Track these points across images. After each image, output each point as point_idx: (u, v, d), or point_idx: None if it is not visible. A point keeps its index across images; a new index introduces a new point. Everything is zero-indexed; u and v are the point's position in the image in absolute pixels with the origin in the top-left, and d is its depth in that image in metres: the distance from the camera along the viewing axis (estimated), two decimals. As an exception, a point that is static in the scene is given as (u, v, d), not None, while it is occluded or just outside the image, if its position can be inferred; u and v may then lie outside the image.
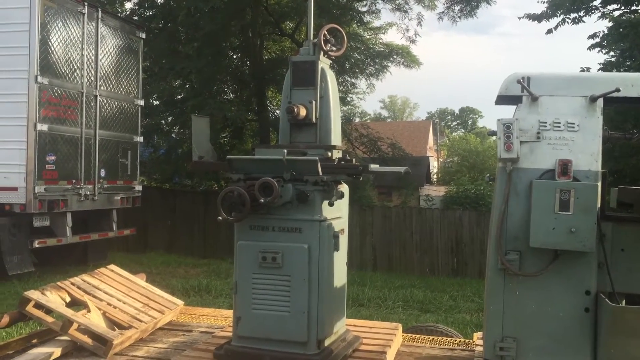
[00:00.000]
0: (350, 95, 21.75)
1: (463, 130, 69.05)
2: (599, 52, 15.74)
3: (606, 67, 14.95)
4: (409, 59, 20.42)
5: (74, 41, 10.37)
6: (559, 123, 3.64)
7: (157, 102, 17.90)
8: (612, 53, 15.66)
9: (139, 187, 12.14)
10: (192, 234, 16.24)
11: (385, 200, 22.09)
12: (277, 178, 3.82)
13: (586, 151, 3.58)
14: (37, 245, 9.76)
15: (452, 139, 53.42)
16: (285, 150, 3.83)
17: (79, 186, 10.38)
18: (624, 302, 3.69)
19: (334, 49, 4.28)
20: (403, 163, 17.94)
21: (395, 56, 20.37)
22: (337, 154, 4.15)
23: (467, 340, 5.01)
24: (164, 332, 5.04)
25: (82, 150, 10.49)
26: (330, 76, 4.34)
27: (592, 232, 3.42)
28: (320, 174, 3.80)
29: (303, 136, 4.27)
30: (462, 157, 37.59)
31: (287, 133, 4.31)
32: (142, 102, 12.36)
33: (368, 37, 20.46)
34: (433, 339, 5.05)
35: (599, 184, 3.51)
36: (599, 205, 3.52)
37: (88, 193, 10.62)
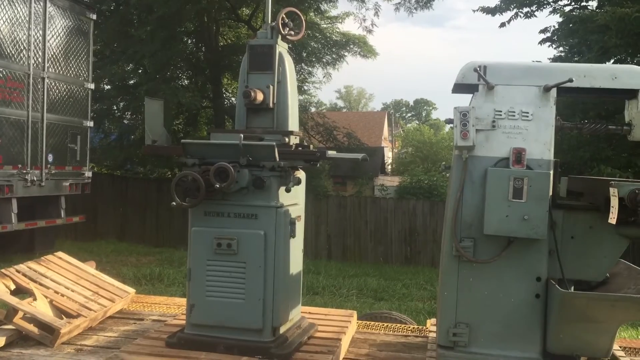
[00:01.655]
0: (306, 84, 21.70)
1: (417, 122, 69.88)
2: (549, 46, 16.16)
3: (556, 61, 15.33)
4: (365, 49, 20.47)
5: (20, 20, 9.92)
6: (514, 112, 3.68)
7: (109, 87, 17.42)
8: (561, 48, 16.10)
9: (88, 174, 11.77)
10: (144, 222, 15.93)
11: (340, 190, 22.15)
12: (233, 163, 3.75)
13: (539, 140, 3.64)
14: (-21, 232, 9.36)
15: (407, 130, 54.01)
16: (242, 135, 3.76)
17: (25, 171, 9.98)
18: (572, 288, 3.78)
19: (292, 32, 4.22)
20: (359, 153, 18.00)
21: (352, 46, 20.38)
22: (294, 140, 4.10)
23: (420, 327, 5.07)
24: (115, 321, 4.91)
25: (29, 135, 10.08)
26: (288, 61, 4.28)
27: (545, 219, 3.48)
28: (278, 159, 3.75)
29: (260, 121, 4.20)
30: (416, 148, 38.07)
31: (244, 118, 4.23)
32: (92, 86, 11.96)
33: (325, 25, 20.41)
34: (387, 325, 5.09)
35: (552, 172, 3.57)
36: (550, 193, 3.58)
37: (35, 179, 10.22)
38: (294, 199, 4.07)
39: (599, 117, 13.04)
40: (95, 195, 13.05)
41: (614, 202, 3.31)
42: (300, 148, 4.09)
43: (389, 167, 39.26)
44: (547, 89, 3.66)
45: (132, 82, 17.31)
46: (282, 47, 4.23)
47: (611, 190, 3.35)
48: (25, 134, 10.03)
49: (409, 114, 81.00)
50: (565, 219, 3.68)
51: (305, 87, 22.19)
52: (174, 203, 3.72)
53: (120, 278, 9.88)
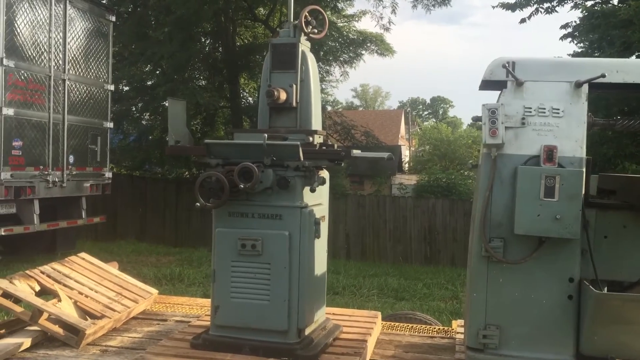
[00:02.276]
0: (323, 83, 21.65)
1: (434, 120, 69.56)
2: (570, 42, 15.92)
3: (576, 57, 15.11)
4: (382, 47, 20.39)
5: (41, 23, 10.00)
6: (544, 109, 3.59)
7: (127, 88, 17.51)
8: (581, 44, 15.87)
9: (109, 174, 11.84)
10: (164, 222, 15.99)
11: (357, 189, 22.07)
12: (257, 163, 3.71)
13: (571, 137, 3.55)
14: (2, 233, 9.42)
15: (424, 128, 53.77)
16: (266, 135, 3.71)
17: (46, 172, 10.06)
18: (606, 289, 3.69)
19: (315, 30, 4.16)
20: (377, 152, 17.94)
21: (369, 44, 20.31)
22: (318, 139, 4.05)
23: (446, 328, 4.99)
24: (138, 322, 4.90)
25: (50, 136, 10.16)
26: (311, 59, 4.23)
27: (577, 218, 3.39)
28: (302, 159, 3.70)
29: (283, 121, 4.16)
30: (434, 147, 37.88)
31: (267, 117, 4.19)
32: (112, 87, 12.03)
33: (342, 24, 20.35)
34: (412, 326, 5.02)
35: (584, 170, 3.48)
36: (583, 192, 3.49)
37: (56, 180, 10.30)
38: (318, 199, 4.02)
39: (623, 113, 12.83)
40: (115, 195, 13.12)
41: (651, 201, 3.22)
42: (324, 147, 4.03)
43: (407, 165, 39.08)
44: (578, 85, 3.57)
45: (150, 83, 17.41)
46: (304, 46, 4.18)
47: (647, 188, 3.25)
48: (47, 136, 10.11)
49: (426, 112, 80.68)
50: (598, 218, 3.59)
51: (323, 86, 22.17)
52: (198, 204, 3.69)
53: (141, 278, 9.91)
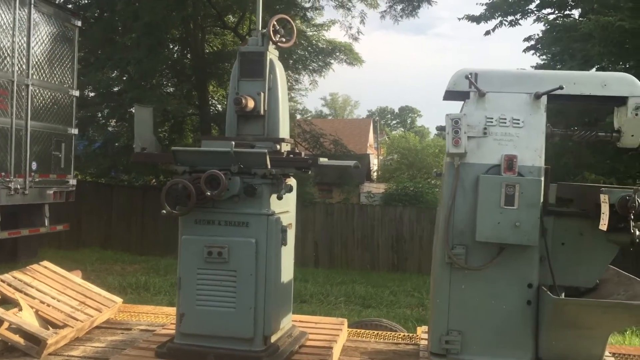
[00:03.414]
0: (292, 91, 21.73)
1: (402, 129, 70.17)
2: (533, 54, 16.33)
3: (538, 69, 15.49)
4: (351, 57, 20.59)
5: (4, 27, 9.79)
6: (505, 119, 3.70)
7: (93, 94, 17.26)
8: (544, 57, 16.28)
9: (73, 182, 11.62)
10: (130, 230, 15.77)
11: (326, 197, 22.14)
12: (224, 171, 3.72)
13: (530, 147, 3.66)
14: (-39, 241, 9.20)
15: (392, 137, 54.23)
16: (233, 143, 3.73)
17: (8, 179, 9.82)
18: (563, 294, 3.79)
19: (283, 39, 4.20)
20: (345, 160, 18.05)
21: (338, 53, 20.48)
22: (285, 147, 4.08)
23: (411, 335, 5.05)
24: (102, 331, 4.84)
25: (12, 142, 9.93)
26: (279, 68, 4.26)
27: (536, 226, 3.50)
28: (269, 167, 3.72)
29: (251, 128, 4.18)
30: (402, 155, 38.18)
31: (234, 125, 4.21)
32: (77, 93, 11.82)
33: (311, 33, 20.46)
34: (378, 333, 5.07)
35: (542, 179, 3.59)
36: (542, 200, 3.60)
37: (18, 187, 10.06)
38: (285, 207, 4.04)
39: (584, 124, 13.18)
40: (79, 203, 12.87)
41: (605, 209, 3.33)
42: (291, 155, 4.06)
43: (375, 174, 39.33)
44: (537, 96, 3.68)
45: (117, 89, 17.20)
46: (272, 54, 4.22)
47: (602, 196, 3.36)
48: (9, 142, 9.88)
49: (394, 121, 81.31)
50: (556, 226, 3.70)
51: (292, 95, 22.24)
52: (164, 211, 3.68)
53: (106, 287, 9.72)
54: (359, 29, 20.18)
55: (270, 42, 4.14)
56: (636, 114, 3.59)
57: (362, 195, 24.56)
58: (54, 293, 4.83)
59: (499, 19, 15.71)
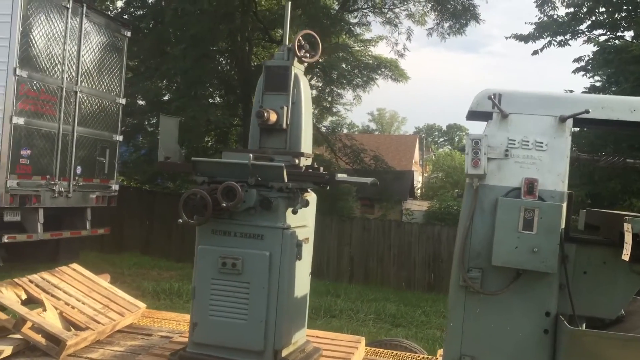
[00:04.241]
0: (336, 105, 21.83)
1: (450, 147, 69.39)
2: (583, 75, 15.92)
3: (591, 91, 15.08)
4: (397, 73, 20.53)
5: (56, 35, 10.22)
6: (528, 141, 3.61)
7: (142, 102, 17.77)
8: (597, 78, 15.84)
9: (115, 187, 11.96)
10: (170, 237, 16.04)
11: (367, 212, 22.05)
12: (242, 183, 3.75)
13: (553, 171, 3.55)
14: (5, 240, 9.54)
15: (438, 154, 53.66)
16: (251, 155, 3.76)
17: (53, 182, 10.20)
18: (584, 325, 3.65)
19: (308, 55, 4.23)
20: (385, 176, 17.98)
21: (383, 69, 20.47)
22: (305, 162, 4.09)
23: (430, 357, 4.96)
24: (123, 335, 4.92)
25: (59, 146, 10.32)
26: (304, 82, 4.29)
27: (555, 252, 3.38)
28: (286, 180, 3.74)
29: (273, 142, 4.21)
30: (447, 174, 37.77)
31: (257, 138, 4.25)
32: (123, 101, 12.20)
33: (358, 48, 20.54)
34: (396, 353, 4.99)
35: (564, 204, 3.48)
36: (563, 226, 3.48)
37: (62, 190, 10.43)
38: (302, 221, 4.04)
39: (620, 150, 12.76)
40: (122, 208, 13.23)
41: (628, 238, 3.20)
42: (310, 170, 4.07)
43: (419, 191, 38.97)
44: (562, 120, 3.58)
45: (166, 98, 17.65)
46: (298, 69, 4.25)
47: (625, 225, 3.23)
48: (55, 146, 10.27)
49: (442, 139, 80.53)
50: (578, 253, 3.56)
51: (336, 109, 22.34)
52: (181, 220, 3.74)
53: (140, 291, 10.01)
54: (405, 45, 20.12)
55: (296, 57, 4.16)
56: (666, 141, 3.44)
57: (404, 212, 24.37)
58: (80, 295, 4.95)
59: (548, 38, 15.39)
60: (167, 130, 4.20)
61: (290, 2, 4.33)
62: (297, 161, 4.00)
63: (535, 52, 15.55)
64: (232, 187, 3.65)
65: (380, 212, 20.16)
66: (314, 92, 20.70)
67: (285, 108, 4.13)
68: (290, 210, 3.81)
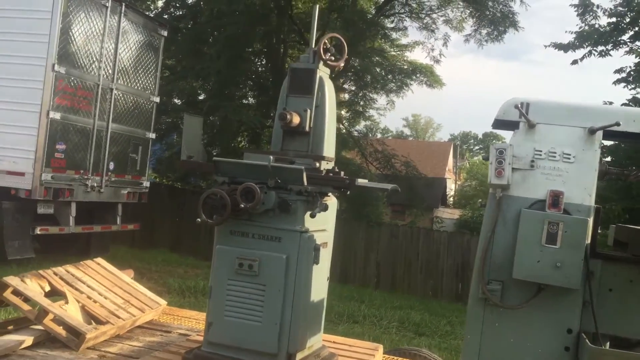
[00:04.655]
0: (369, 110, 21.75)
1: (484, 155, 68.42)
2: (624, 87, 15.50)
3: (633, 103, 14.69)
4: (432, 79, 20.38)
5: (95, 33, 10.43)
6: (555, 153, 3.51)
7: (179, 101, 18.03)
8: (638, 89, 15.40)
9: (146, 183, 12.12)
10: (199, 235, 16.16)
11: (398, 218, 21.89)
12: (261, 184, 3.74)
13: (580, 184, 3.45)
14: (38, 232, 9.76)
15: (472, 162, 53.02)
16: (272, 157, 3.75)
17: (86, 177, 10.39)
18: (608, 344, 3.53)
19: (333, 58, 4.20)
20: (416, 182, 17.82)
21: (418, 75, 20.32)
22: (326, 165, 4.06)
23: (448, 369, 4.87)
24: (143, 331, 4.96)
25: (93, 142, 10.51)
26: (329, 86, 4.26)
27: (578, 268, 3.28)
28: (305, 183, 3.71)
29: (295, 144, 4.19)
30: (480, 182, 37.26)
31: (280, 140, 4.24)
32: (157, 99, 12.36)
33: (394, 53, 20.43)
34: (415, 363, 4.92)
35: (590, 219, 3.37)
36: (588, 241, 3.38)
37: (95, 185, 10.62)
38: (321, 225, 4.01)
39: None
40: (153, 205, 13.40)
41: (655, 257, 3.08)
42: (331, 174, 4.03)
43: (451, 199, 38.54)
44: (592, 132, 3.48)
45: (201, 97, 17.86)
46: (323, 72, 4.22)
47: (653, 243, 3.12)
48: (90, 141, 10.46)
49: (477, 147, 79.51)
50: (604, 270, 3.46)
51: (369, 113, 22.27)
52: (199, 219, 3.74)
53: (166, 288, 10.12)
54: (441, 51, 19.97)
55: (321, 60, 4.14)
56: (701, 157, 3.30)
57: (435, 219, 24.13)
58: (102, 289, 5.01)
59: (588, 48, 15.04)
60: (191, 130, 4.22)
61: (318, 5, 4.30)
62: (317, 165, 3.97)
63: (574, 62, 15.21)
64: (251, 188, 3.65)
65: (407, 219, 19.97)
66: (346, 96, 20.70)
67: (308, 111, 4.11)
68: (309, 213, 3.78)
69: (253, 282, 3.76)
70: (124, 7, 10.99)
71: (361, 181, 3.95)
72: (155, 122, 12.67)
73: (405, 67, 20.17)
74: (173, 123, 17.68)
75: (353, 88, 20.34)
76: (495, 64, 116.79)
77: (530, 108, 3.60)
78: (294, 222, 3.75)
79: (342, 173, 4.02)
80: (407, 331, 9.28)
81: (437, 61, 19.03)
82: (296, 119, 4.06)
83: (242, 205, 3.63)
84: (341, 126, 19.53)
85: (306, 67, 4.19)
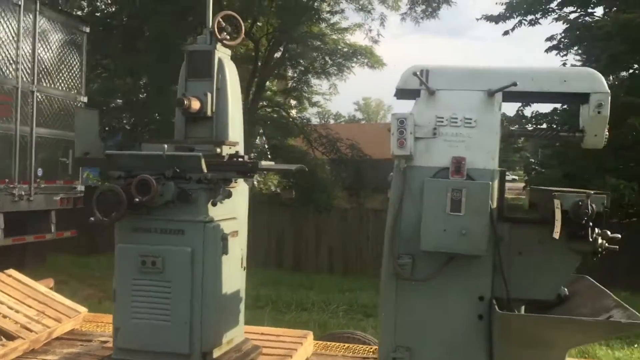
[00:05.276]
0: (313, 95, 21.63)
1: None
2: (556, 54, 15.76)
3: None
4: (372, 60, 20.32)
5: (8, 34, 9.89)
6: (457, 118, 3.42)
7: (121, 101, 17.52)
8: (578, 57, 15.67)
9: (80, 187, 11.65)
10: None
11: (354, 202, 21.84)
12: (159, 175, 3.54)
13: (483, 148, 3.37)
14: (-38, 248, 9.28)
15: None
16: (166, 146, 3.55)
17: (12, 186, 9.87)
18: (523, 308, 3.48)
19: (228, 37, 4.00)
20: (362, 165, 17.81)
21: (359, 57, 20.28)
22: (229, 150, 3.87)
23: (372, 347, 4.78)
24: (61, 343, 4.69)
25: (17, 149, 9.98)
26: (230, 67, 4.08)
27: (484, 234, 3.20)
28: (205, 171, 3.52)
29: (198, 131, 4.00)
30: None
31: (183, 128, 4.04)
32: (85, 99, 11.86)
33: (335, 37, 20.29)
34: (348, 346, 4.82)
35: (493, 183, 3.29)
36: (494, 205, 3.31)
37: (23, 193, 10.11)
38: (230, 213, 3.84)
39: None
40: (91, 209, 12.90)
41: (558, 215, 3.04)
42: (236, 159, 3.85)
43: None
44: (491, 94, 3.39)
45: (136, 97, 17.34)
46: (222, 53, 4.03)
47: (555, 202, 3.07)
48: (13, 148, 9.95)
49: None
50: (513, 234, 3.39)
51: (315, 99, 22.13)
52: (92, 218, 3.52)
53: (105, 293, 9.77)
54: (379, 31, 19.96)
55: (217, 41, 3.94)
56: (598, 112, 3.26)
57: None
58: (12, 303, 4.72)
59: (519, 18, 15.20)
60: (85, 124, 3.97)
61: None
62: (219, 150, 3.78)
63: (506, 33, 15.37)
64: (146, 181, 3.44)
65: (372, 202, 19.93)
66: (289, 83, 20.51)
67: (209, 95, 3.92)
68: (211, 202, 3.60)
69: (158, 280, 3.56)
70: (38, 4, 10.45)
71: (265, 164, 3.79)
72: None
73: (346, 49, 20.10)
74: (114, 124, 17.15)
75: (295, 74, 20.18)
76: (441, 41, 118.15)
77: (430, 75, 3.50)
78: (196, 213, 3.57)
79: (247, 157, 3.84)
80: (355, 313, 9.21)
81: (376, 42, 19.04)
82: (196, 104, 3.86)
83: (137, 200, 3.42)
84: (284, 114, 19.34)
85: (203, 48, 3.99)
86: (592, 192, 3.07)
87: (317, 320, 8.32)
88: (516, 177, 32.84)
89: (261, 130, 18.90)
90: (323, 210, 15.34)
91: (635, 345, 7.27)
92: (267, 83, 19.69)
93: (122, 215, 3.50)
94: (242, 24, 4.10)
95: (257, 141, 19.87)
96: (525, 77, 3.37)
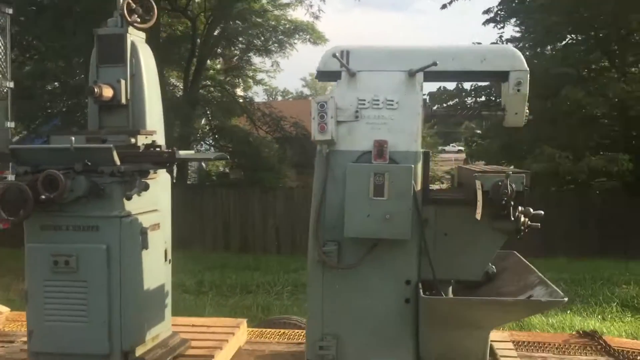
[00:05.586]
0: (257, 73, 21.35)
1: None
2: (494, 27, 15.95)
3: (501, 42, 15.14)
4: (314, 36, 20.17)
5: None
6: (378, 100, 3.33)
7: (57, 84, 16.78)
8: (517, 28, 15.87)
9: (11, 177, 11.13)
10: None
11: (303, 181, 21.77)
12: (69, 170, 3.32)
13: (405, 130, 3.29)
14: None
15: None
16: (73, 138, 3.33)
17: None
18: (450, 289, 3.47)
19: (139, 19, 3.78)
20: (308, 142, 17.68)
21: (300, 33, 20.08)
22: (145, 140, 3.67)
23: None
24: (-20, 345, 4.45)
25: (-63, 139, 9.44)
26: (144, 51, 3.86)
27: (407, 217, 3.15)
28: (118, 163, 3.33)
29: (113, 120, 3.78)
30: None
31: (96, 117, 3.81)
32: (11, 84, 11.27)
33: (277, 13, 19.98)
34: (283, 332, 4.76)
35: (417, 165, 3.23)
36: (418, 188, 3.25)
37: (-55, 186, 9.59)
38: (150, 206, 3.66)
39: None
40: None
41: (479, 196, 3.01)
42: (152, 149, 3.67)
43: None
44: (412, 74, 3.31)
45: (72, 79, 16.63)
46: (135, 37, 3.81)
47: (476, 183, 3.04)
48: None
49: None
50: (438, 215, 3.35)
51: (260, 77, 21.84)
52: (-4, 218, 3.29)
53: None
54: (319, 6, 19.77)
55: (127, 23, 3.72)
56: (518, 90, 3.23)
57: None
58: None
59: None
60: (-11, 116, 3.69)
61: None
62: (133, 140, 3.59)
63: (443, 7, 15.41)
64: (53, 176, 3.22)
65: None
66: (233, 61, 20.12)
67: (122, 82, 3.70)
68: (126, 195, 3.41)
69: (72, 280, 3.36)
70: (-49, -15, 9.80)
71: (183, 153, 3.62)
72: (18, 109, 11.59)
73: (287, 26, 19.85)
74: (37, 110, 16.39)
75: (236, 52, 19.79)
76: (385, 15, 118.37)
77: (350, 56, 3.38)
78: (110, 208, 3.38)
79: (163, 147, 3.66)
80: (300, 293, 9.16)
81: (317, 17, 18.86)
82: (108, 92, 3.64)
83: (43, 197, 3.21)
84: (228, 93, 18.98)
85: (114, 32, 3.76)
86: (511, 171, 3.04)
87: (260, 304, 8.25)
88: (462, 148, 33.47)
89: (208, 112, 18.50)
90: (269, 190, 15.21)
91: (569, 312, 7.50)
92: (209, 62, 19.26)
93: (28, 215, 3.27)
94: (154, 5, 3.87)
95: (203, 122, 19.49)
96: (445, 56, 3.30)
